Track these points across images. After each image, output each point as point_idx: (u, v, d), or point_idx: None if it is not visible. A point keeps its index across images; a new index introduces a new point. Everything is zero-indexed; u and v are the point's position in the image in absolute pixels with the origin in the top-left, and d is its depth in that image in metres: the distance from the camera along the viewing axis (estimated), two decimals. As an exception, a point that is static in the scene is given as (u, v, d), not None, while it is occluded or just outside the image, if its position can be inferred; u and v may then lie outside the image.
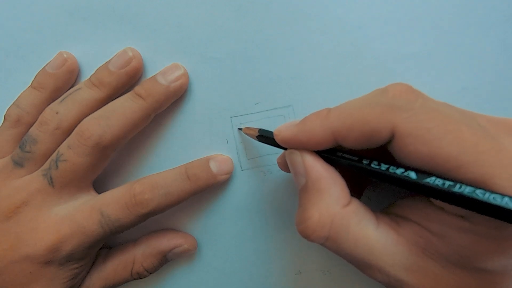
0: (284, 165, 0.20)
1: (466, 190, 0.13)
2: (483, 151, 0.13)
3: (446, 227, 0.15)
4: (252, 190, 0.24)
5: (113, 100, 0.22)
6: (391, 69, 0.23)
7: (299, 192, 0.18)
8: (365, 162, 0.16)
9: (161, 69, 0.23)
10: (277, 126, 0.23)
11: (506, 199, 0.12)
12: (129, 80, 0.23)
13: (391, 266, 0.16)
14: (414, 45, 0.22)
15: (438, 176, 0.14)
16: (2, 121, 0.23)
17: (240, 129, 0.23)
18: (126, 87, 0.23)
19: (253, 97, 0.23)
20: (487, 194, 0.13)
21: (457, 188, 0.13)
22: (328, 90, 0.23)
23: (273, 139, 0.19)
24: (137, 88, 0.22)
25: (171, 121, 0.24)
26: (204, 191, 0.23)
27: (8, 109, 0.23)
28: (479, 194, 0.13)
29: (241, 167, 0.24)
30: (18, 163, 0.22)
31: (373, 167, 0.16)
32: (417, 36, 0.22)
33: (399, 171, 0.15)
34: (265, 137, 0.20)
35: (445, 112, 0.15)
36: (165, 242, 0.24)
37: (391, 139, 0.15)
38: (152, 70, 0.23)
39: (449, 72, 0.22)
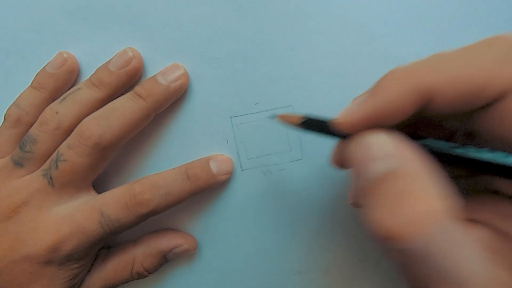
0: (340, 162, 0.17)
1: None
2: None
3: None
4: (252, 190, 0.24)
5: (113, 100, 0.22)
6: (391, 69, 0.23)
7: (374, 182, 0.13)
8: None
9: (161, 69, 0.23)
10: (277, 126, 0.23)
11: None
12: (129, 80, 0.23)
13: (470, 279, 0.12)
14: (414, 45, 0.22)
15: None
16: (2, 121, 0.23)
17: (272, 117, 0.20)
18: (126, 87, 0.23)
19: (253, 97, 0.23)
20: None
21: None
22: (328, 90, 0.23)
23: (327, 127, 0.15)
24: (137, 88, 0.22)
25: (171, 121, 0.24)
26: (204, 191, 0.23)
27: (8, 109, 0.23)
28: None
29: (241, 167, 0.24)
30: (18, 163, 0.22)
31: None
32: (417, 36, 0.22)
33: None
34: (314, 125, 0.17)
35: None
36: (165, 242, 0.24)
37: (494, 101, 0.12)
38: (152, 70, 0.23)
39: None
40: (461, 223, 0.12)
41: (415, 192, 0.12)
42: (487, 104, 0.13)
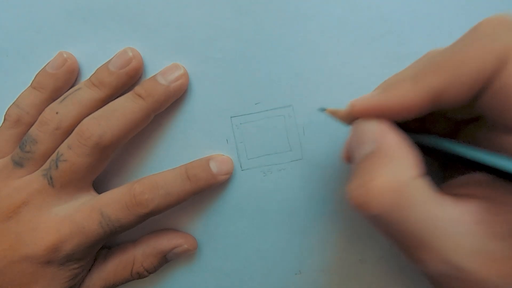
0: (348, 156, 0.18)
1: None
2: None
3: None
4: (252, 190, 0.24)
5: (113, 100, 0.22)
6: (391, 69, 0.23)
7: (359, 162, 0.15)
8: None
9: (161, 69, 0.23)
10: (277, 126, 0.24)
11: None
12: (129, 80, 0.23)
13: (454, 250, 0.13)
14: (414, 45, 0.22)
15: None
16: (2, 121, 0.23)
17: (323, 109, 0.20)
18: (126, 87, 0.23)
19: (253, 97, 0.23)
20: None
21: None
22: (328, 90, 0.23)
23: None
24: (137, 88, 0.22)
25: (171, 121, 0.24)
26: (204, 191, 0.23)
27: (8, 109, 0.23)
28: None
29: (241, 167, 0.24)
30: (18, 163, 0.22)
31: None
32: (417, 36, 0.22)
33: None
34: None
35: None
36: (165, 242, 0.24)
37: (489, 82, 0.13)
38: (152, 70, 0.23)
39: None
40: (441, 197, 0.14)
41: (381, 168, 0.14)
42: (484, 88, 0.13)
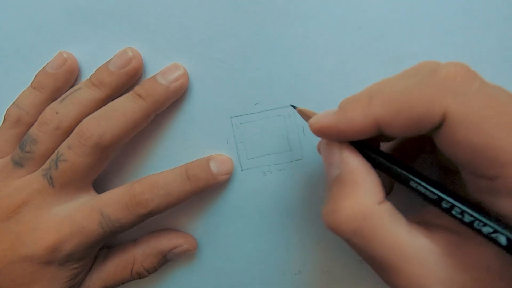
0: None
1: None
2: None
3: None
4: (252, 190, 0.24)
5: (113, 100, 0.22)
6: (391, 69, 0.23)
7: (330, 184, 0.17)
8: (445, 206, 0.14)
9: (161, 69, 0.23)
10: (277, 126, 0.24)
11: None
12: (129, 80, 0.23)
13: (425, 277, 0.14)
14: (414, 45, 0.22)
15: None
16: (2, 121, 0.23)
17: (293, 106, 0.21)
18: (126, 87, 0.23)
19: (253, 97, 0.23)
20: None
21: None
22: (328, 90, 0.23)
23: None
24: (137, 88, 0.22)
25: (171, 121, 0.24)
26: (204, 191, 0.23)
27: (8, 109, 0.23)
28: None
29: (241, 167, 0.24)
30: (18, 163, 0.22)
31: (455, 215, 0.14)
32: (417, 36, 0.22)
33: (486, 230, 0.13)
34: None
35: (503, 101, 0.14)
36: (165, 242, 0.24)
37: (439, 125, 0.14)
38: (152, 70, 0.23)
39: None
40: (407, 223, 0.15)
41: (346, 197, 0.16)
42: (435, 128, 0.14)
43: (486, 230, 0.13)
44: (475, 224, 0.13)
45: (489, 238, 0.13)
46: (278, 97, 0.23)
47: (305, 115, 0.20)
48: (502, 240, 0.13)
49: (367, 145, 0.17)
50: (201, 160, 0.23)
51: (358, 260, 0.25)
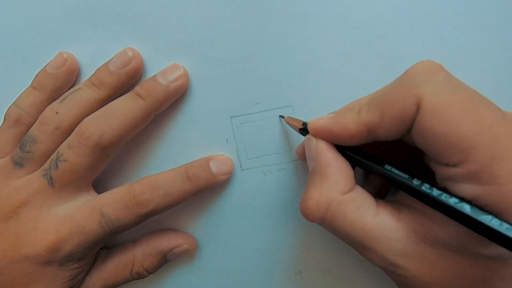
0: (302, 154, 0.21)
1: None
2: (498, 133, 0.13)
3: None
4: (252, 190, 0.24)
5: (113, 100, 0.22)
6: (391, 69, 0.23)
7: (308, 176, 0.19)
8: (415, 183, 0.16)
9: (161, 69, 0.23)
10: (277, 126, 0.24)
11: None
12: (129, 80, 0.23)
13: (388, 250, 0.16)
14: (414, 45, 0.22)
15: (494, 214, 0.13)
16: (2, 121, 0.23)
17: (281, 116, 0.23)
18: (126, 87, 0.23)
19: (253, 97, 0.23)
20: None
21: None
22: (328, 90, 0.23)
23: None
24: (137, 88, 0.22)
25: (171, 121, 0.24)
26: (204, 191, 0.23)
27: (8, 109, 0.23)
28: None
29: (241, 167, 0.24)
30: (18, 163, 0.22)
31: (424, 190, 0.15)
32: (417, 36, 0.22)
33: (453, 200, 0.14)
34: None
35: (465, 89, 0.15)
36: (165, 242, 0.24)
37: (416, 116, 0.15)
38: (152, 70, 0.23)
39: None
40: (375, 207, 0.17)
41: (316, 187, 0.18)
42: (411, 125, 0.15)
43: (452, 200, 0.14)
44: (443, 197, 0.14)
45: (454, 209, 0.14)
46: (278, 97, 0.23)
47: (293, 124, 0.22)
48: (467, 208, 0.14)
49: (354, 147, 0.18)
50: (201, 160, 0.23)
51: (358, 260, 0.25)
